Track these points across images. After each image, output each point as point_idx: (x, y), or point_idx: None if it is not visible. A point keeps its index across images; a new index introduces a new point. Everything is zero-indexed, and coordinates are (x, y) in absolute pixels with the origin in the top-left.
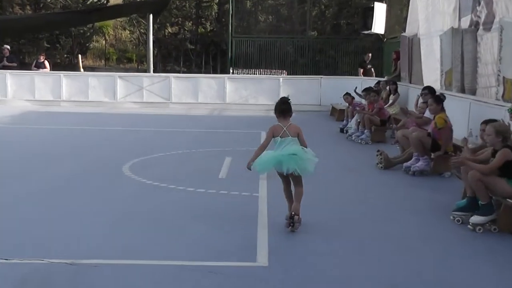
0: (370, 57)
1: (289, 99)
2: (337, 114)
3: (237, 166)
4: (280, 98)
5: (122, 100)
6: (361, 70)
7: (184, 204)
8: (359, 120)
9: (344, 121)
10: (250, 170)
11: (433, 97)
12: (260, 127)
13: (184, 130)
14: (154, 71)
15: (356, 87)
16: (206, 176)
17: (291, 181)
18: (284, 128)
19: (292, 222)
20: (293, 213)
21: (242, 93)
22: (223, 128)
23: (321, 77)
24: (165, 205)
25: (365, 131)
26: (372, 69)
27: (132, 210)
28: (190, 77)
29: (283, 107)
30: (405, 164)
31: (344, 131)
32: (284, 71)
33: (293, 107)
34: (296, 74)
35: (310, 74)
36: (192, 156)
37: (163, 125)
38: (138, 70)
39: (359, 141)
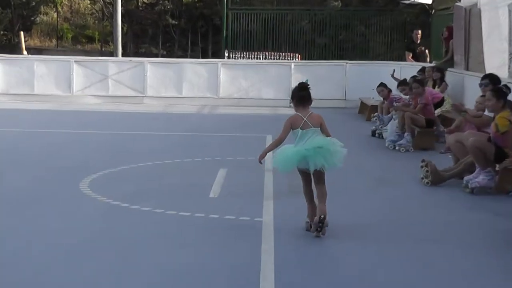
0: (420, 35)
1: (308, 85)
2: (367, 111)
3: (233, 181)
4: (298, 84)
5: (80, 93)
6: (410, 55)
7: (162, 232)
8: (397, 120)
9: (378, 121)
10: (261, 163)
11: (492, 90)
12: (265, 129)
13: (164, 133)
14: (123, 55)
15: (394, 70)
16: (192, 195)
17: (312, 179)
18: (305, 119)
19: (321, 226)
20: (322, 216)
21: (241, 84)
22: (215, 130)
23: (346, 63)
24: (137, 233)
25: (406, 134)
26: (427, 51)
27: (93, 241)
28: (172, 63)
29: (302, 94)
30: (465, 178)
31: (377, 135)
32: (297, 54)
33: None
34: (313, 59)
35: (331, 59)
36: (174, 168)
37: (135, 127)
38: (102, 54)
39: (398, 148)
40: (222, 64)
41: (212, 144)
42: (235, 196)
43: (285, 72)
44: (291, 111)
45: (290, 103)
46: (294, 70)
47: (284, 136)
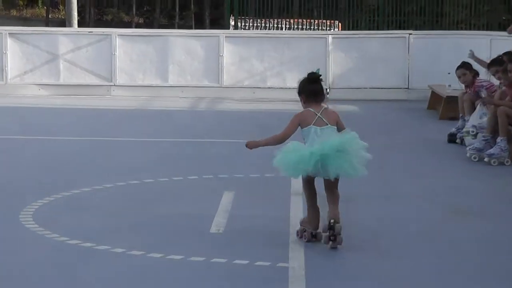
0: None
1: (320, 75)
2: (442, 106)
3: (245, 209)
4: (308, 75)
5: (17, 80)
6: None
7: (142, 286)
8: (485, 119)
9: (459, 121)
10: (249, 149)
11: None
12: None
13: (142, 139)
14: (80, 24)
15: (471, 52)
16: (186, 230)
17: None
18: (318, 114)
19: (334, 234)
20: (332, 220)
21: (254, 67)
22: (217, 135)
23: (409, 34)
24: (104, 286)
25: (499, 139)
26: None
27: None
28: (152, 35)
29: (314, 88)
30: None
31: (458, 140)
32: (337, 22)
33: (354, 94)
34: (360, 29)
35: (387, 28)
36: (158, 192)
37: (100, 131)
38: (49, 22)
39: (487, 159)
40: (227, 37)
41: (214, 156)
42: (247, 232)
43: (319, 48)
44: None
45: (327, 92)
46: (332, 46)
47: (289, 134)
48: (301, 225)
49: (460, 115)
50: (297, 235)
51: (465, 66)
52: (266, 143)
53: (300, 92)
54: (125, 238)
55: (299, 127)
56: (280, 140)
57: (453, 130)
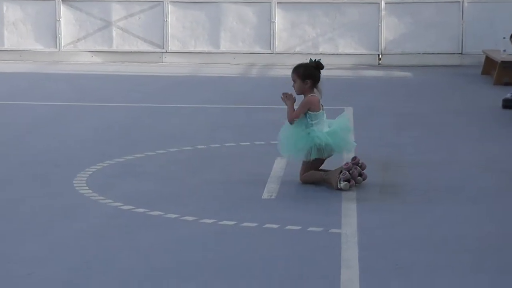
0: None
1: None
2: (496, 71)
3: (296, 175)
4: (315, 61)
5: (71, 47)
6: None
7: (195, 251)
8: None
9: None
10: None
11: None
12: (343, 98)
13: (194, 106)
14: None
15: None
16: (237, 196)
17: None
18: (321, 101)
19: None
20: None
21: (306, 33)
22: (269, 102)
23: None
24: (159, 252)
25: None
26: None
27: (89, 268)
28: (204, 2)
29: (319, 75)
30: None
31: None
32: None
33: (407, 59)
34: None
35: None
36: (210, 157)
37: (152, 97)
38: None
39: None
40: (278, 3)
41: (266, 122)
42: (300, 198)
43: (371, 13)
44: (378, 73)
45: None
46: (384, 11)
47: (299, 117)
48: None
49: None
50: (343, 183)
51: None
52: (288, 112)
53: (307, 76)
54: (178, 204)
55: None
56: (291, 119)
57: (508, 95)
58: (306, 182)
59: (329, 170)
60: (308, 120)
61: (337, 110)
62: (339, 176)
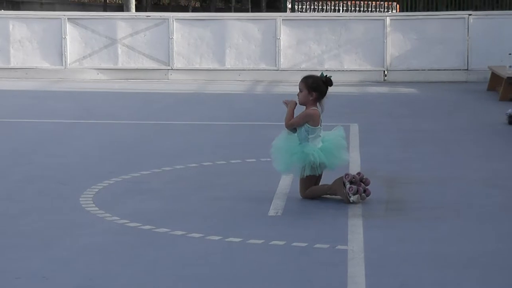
0: None
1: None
2: (502, 87)
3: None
4: (325, 77)
5: (76, 65)
6: None
7: (202, 267)
8: None
9: None
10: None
11: None
12: (348, 115)
13: (199, 123)
14: (137, 8)
15: None
16: (244, 213)
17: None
18: (320, 117)
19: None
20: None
21: (311, 50)
22: (275, 118)
23: (469, 14)
24: (166, 268)
25: None
26: None
27: (104, 280)
28: (210, 19)
29: (326, 91)
30: None
31: None
32: (394, 3)
33: (412, 76)
34: (418, 10)
35: (446, 9)
36: (215, 174)
37: (158, 114)
38: (106, 7)
39: None
40: (283, 20)
41: (271, 138)
42: (306, 214)
43: (377, 29)
44: (384, 89)
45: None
46: (390, 28)
47: (297, 125)
48: (339, 193)
49: None
50: (353, 197)
51: None
52: (286, 116)
53: (315, 89)
54: (184, 220)
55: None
56: (288, 124)
57: (510, 111)
58: (309, 197)
59: (330, 184)
60: (305, 133)
61: (343, 127)
62: (345, 191)
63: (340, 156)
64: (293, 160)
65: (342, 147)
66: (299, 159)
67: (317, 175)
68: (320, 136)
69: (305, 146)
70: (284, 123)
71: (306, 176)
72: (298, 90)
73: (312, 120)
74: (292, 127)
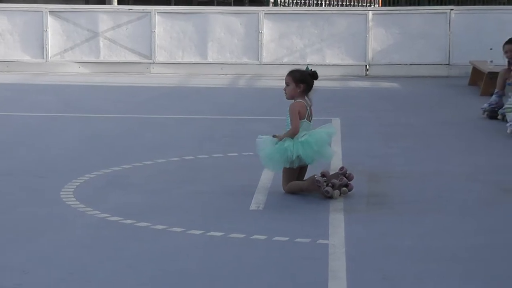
0: None
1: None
2: (483, 82)
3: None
4: (311, 70)
5: (58, 58)
6: None
7: (183, 262)
8: None
9: (493, 96)
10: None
11: None
12: (330, 109)
13: (181, 117)
14: (119, 2)
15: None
16: (225, 206)
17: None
18: (308, 108)
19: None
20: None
21: (293, 44)
22: (257, 112)
23: (450, 9)
24: (147, 263)
25: None
26: None
27: (80, 277)
28: (192, 13)
29: (313, 84)
30: None
31: (500, 116)
32: None
33: (394, 70)
34: (400, 5)
35: (428, 4)
36: (197, 168)
37: (140, 108)
38: (88, 0)
39: None
40: (266, 13)
41: (254, 132)
42: (287, 209)
43: (359, 24)
44: (366, 84)
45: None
46: (372, 23)
47: (299, 125)
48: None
49: (496, 91)
50: (324, 190)
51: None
52: (286, 136)
53: (302, 81)
54: (165, 215)
55: None
56: (295, 133)
57: (485, 105)
58: (290, 192)
59: (305, 183)
60: (288, 126)
61: (324, 121)
62: (322, 189)
63: (320, 151)
64: (275, 157)
65: (324, 142)
66: (279, 152)
67: (294, 167)
68: (305, 129)
69: (286, 140)
70: (292, 134)
71: (287, 169)
72: (285, 85)
73: (300, 111)
74: (298, 129)
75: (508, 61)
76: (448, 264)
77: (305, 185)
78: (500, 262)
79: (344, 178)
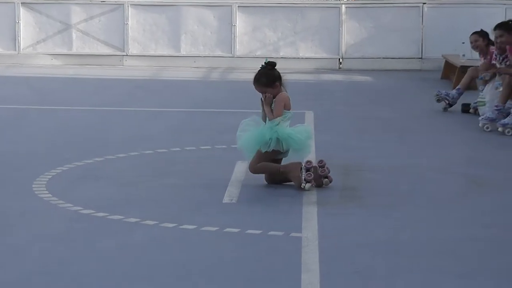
0: None
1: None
2: (455, 75)
3: (258, 179)
4: (267, 64)
5: (30, 50)
6: None
7: (155, 255)
8: (500, 88)
9: (454, 91)
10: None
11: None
12: (304, 102)
13: (154, 109)
14: None
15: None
16: (198, 199)
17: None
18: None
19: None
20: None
21: (266, 37)
22: (230, 105)
23: (423, 3)
24: (119, 256)
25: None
26: None
27: (50, 272)
28: (165, 5)
29: (279, 72)
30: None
31: (472, 110)
32: None
33: (367, 64)
34: None
35: None
36: (170, 161)
37: (113, 101)
38: None
39: (501, 129)
40: (239, 6)
41: (227, 125)
42: (260, 202)
43: (332, 17)
44: (339, 77)
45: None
46: (345, 16)
47: (281, 114)
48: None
49: (458, 87)
50: (306, 181)
51: (478, 33)
52: (268, 115)
53: (274, 81)
54: (138, 208)
55: None
56: (276, 116)
57: (442, 92)
58: (257, 172)
59: (284, 165)
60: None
61: (297, 114)
62: (302, 176)
63: (306, 142)
64: (262, 138)
65: (309, 136)
66: (267, 133)
67: (281, 151)
68: (289, 120)
69: (273, 124)
70: (271, 118)
71: (261, 152)
72: (261, 94)
73: (286, 102)
74: (280, 116)
75: (479, 53)
76: (420, 257)
77: (283, 166)
78: (471, 255)
79: (324, 170)
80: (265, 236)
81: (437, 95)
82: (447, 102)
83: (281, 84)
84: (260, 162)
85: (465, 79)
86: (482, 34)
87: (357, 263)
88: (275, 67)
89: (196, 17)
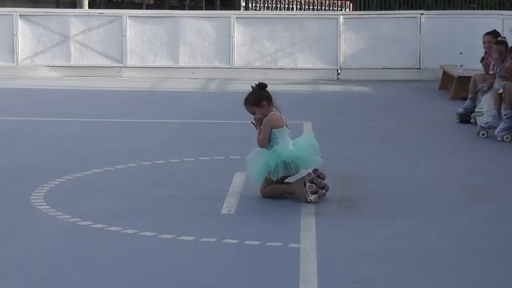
0: None
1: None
2: (453, 86)
3: (255, 190)
4: (257, 85)
5: (28, 62)
6: None
7: (154, 266)
8: (501, 90)
9: (467, 101)
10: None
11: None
12: (302, 113)
13: (153, 121)
14: (90, 5)
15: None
16: (196, 211)
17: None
18: (283, 117)
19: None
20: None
21: (265, 48)
22: (229, 116)
23: (421, 14)
24: (117, 268)
25: (507, 113)
26: None
27: (52, 282)
28: (163, 17)
29: (269, 93)
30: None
31: (473, 120)
32: (347, 2)
33: (365, 74)
34: (371, 9)
35: (399, 8)
36: (169, 172)
37: (111, 112)
38: (59, 4)
39: (499, 137)
40: (237, 17)
41: (225, 137)
42: (259, 213)
43: (330, 28)
44: (337, 88)
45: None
46: (344, 27)
47: (268, 138)
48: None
49: (470, 96)
50: (312, 196)
51: (492, 34)
52: (257, 137)
53: (260, 100)
54: (136, 219)
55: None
56: (262, 142)
57: (460, 110)
58: (267, 196)
59: (291, 183)
60: (273, 138)
61: (296, 125)
62: (305, 189)
63: (314, 155)
64: (268, 166)
65: (315, 147)
66: (272, 160)
67: (292, 175)
68: (288, 137)
69: (276, 148)
70: (258, 145)
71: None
72: (252, 116)
73: (275, 123)
74: (265, 141)
75: (485, 52)
76: (419, 267)
77: (289, 185)
78: (470, 265)
79: (320, 179)
80: (263, 247)
81: (460, 116)
82: (470, 114)
83: (271, 104)
84: (268, 185)
85: (471, 86)
86: (495, 33)
87: (356, 273)
88: (266, 89)
89: (194, 28)
